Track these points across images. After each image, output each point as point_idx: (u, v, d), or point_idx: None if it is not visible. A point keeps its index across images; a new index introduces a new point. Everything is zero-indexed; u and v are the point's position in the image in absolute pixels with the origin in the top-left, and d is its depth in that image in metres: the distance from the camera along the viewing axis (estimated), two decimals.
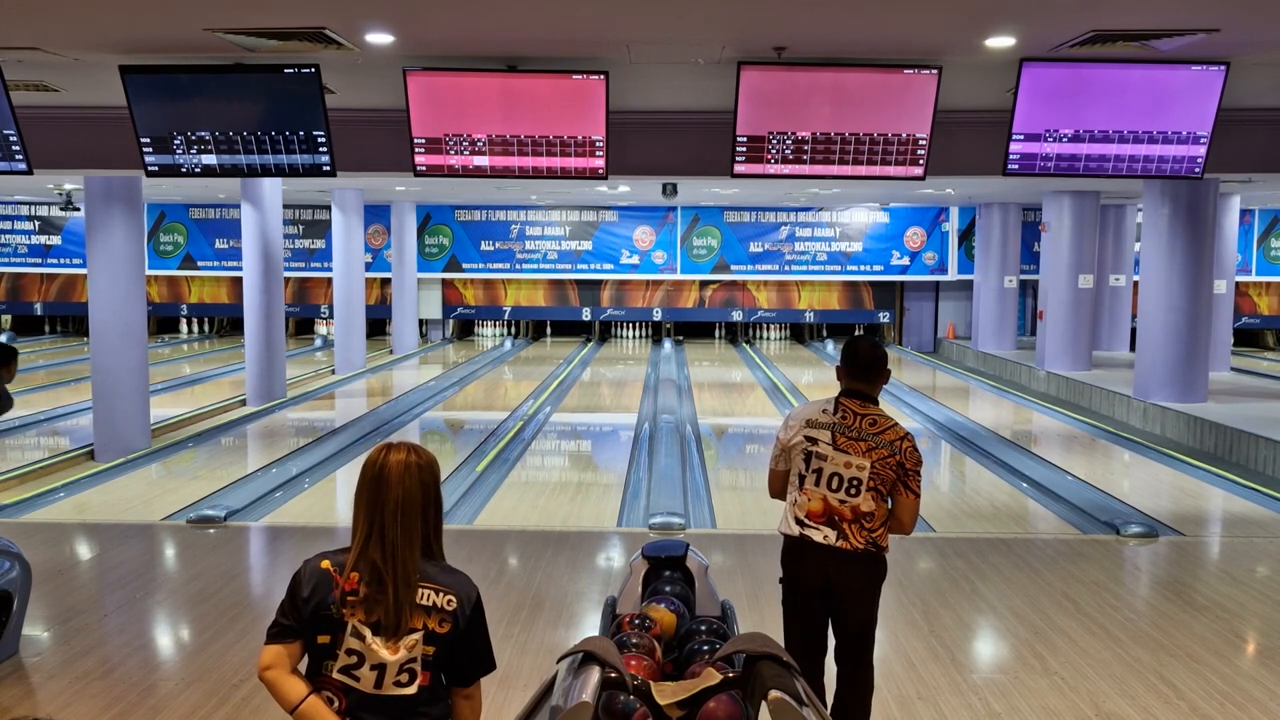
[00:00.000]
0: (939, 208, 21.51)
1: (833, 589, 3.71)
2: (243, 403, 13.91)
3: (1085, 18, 5.58)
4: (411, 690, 2.37)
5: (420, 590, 2.37)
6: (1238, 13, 5.50)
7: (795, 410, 3.88)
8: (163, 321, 24.17)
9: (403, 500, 2.39)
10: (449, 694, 2.46)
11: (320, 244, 22.23)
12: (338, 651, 2.37)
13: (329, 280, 20.55)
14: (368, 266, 20.94)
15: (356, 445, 11.02)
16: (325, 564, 2.42)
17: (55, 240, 22.97)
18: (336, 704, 2.38)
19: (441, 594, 2.38)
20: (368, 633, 2.35)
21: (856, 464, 3.63)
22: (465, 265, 22.22)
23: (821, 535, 3.66)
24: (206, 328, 24.70)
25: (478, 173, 7.00)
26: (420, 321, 22.29)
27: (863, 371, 3.76)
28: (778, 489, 3.89)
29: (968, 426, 12.50)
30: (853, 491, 3.63)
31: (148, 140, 6.96)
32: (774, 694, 2.41)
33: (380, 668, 2.35)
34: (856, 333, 23.90)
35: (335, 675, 2.38)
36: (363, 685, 2.36)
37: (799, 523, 3.73)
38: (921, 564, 6.57)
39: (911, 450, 3.68)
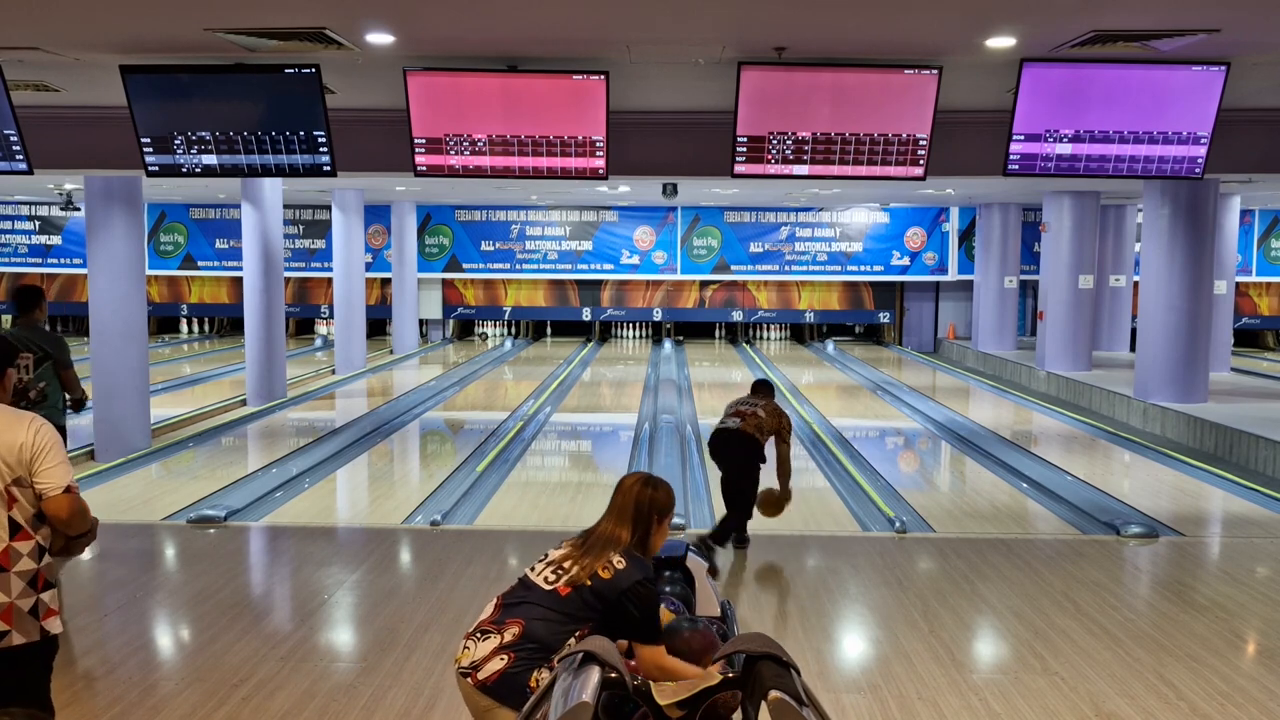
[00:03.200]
0: (939, 208, 21.51)
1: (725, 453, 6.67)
2: (243, 403, 13.91)
3: (1085, 18, 5.59)
4: (548, 588, 3.06)
5: (614, 556, 3.12)
6: (1238, 13, 5.50)
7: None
8: (163, 321, 24.17)
9: (618, 507, 3.26)
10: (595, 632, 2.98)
11: (320, 244, 22.24)
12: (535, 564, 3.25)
13: (329, 280, 20.55)
14: (368, 266, 20.94)
15: (357, 445, 11.03)
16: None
17: (55, 240, 22.97)
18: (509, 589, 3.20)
19: (617, 558, 3.11)
20: (552, 553, 3.22)
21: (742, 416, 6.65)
22: (465, 265, 22.22)
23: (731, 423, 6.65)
24: (206, 328, 24.70)
25: (478, 173, 7.00)
26: (420, 321, 22.30)
27: (757, 391, 6.89)
28: None
29: (968, 427, 12.50)
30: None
31: (148, 140, 6.97)
32: (774, 694, 2.41)
33: (551, 565, 3.16)
34: (856, 331, 23.93)
35: (527, 573, 3.22)
36: (536, 578, 3.14)
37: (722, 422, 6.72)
38: (921, 564, 6.57)
39: (774, 414, 6.65)
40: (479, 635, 3.05)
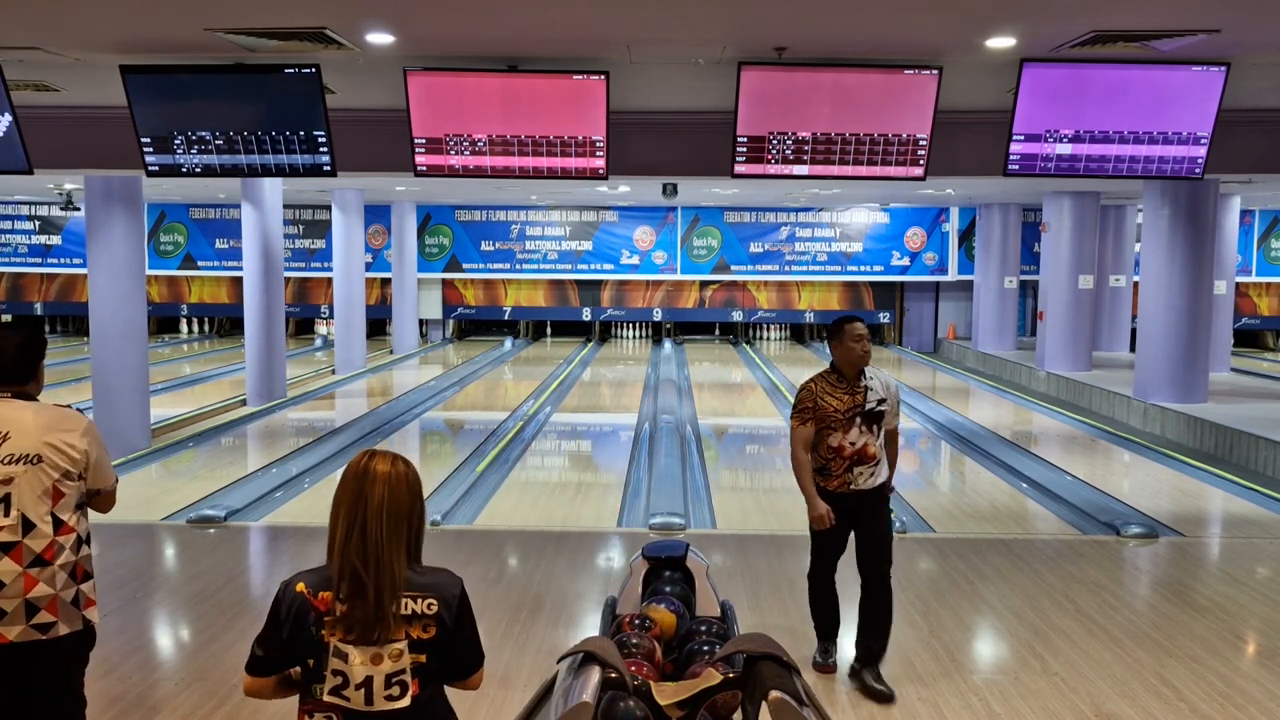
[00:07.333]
0: (939, 208, 21.50)
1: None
2: (243, 402, 13.91)
3: (1085, 18, 5.58)
4: (405, 702, 2.30)
5: (400, 600, 2.29)
6: (1238, 13, 5.50)
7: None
8: (163, 321, 24.16)
9: (388, 500, 2.30)
10: (443, 691, 2.41)
11: (320, 244, 22.23)
12: (324, 674, 2.30)
13: (329, 280, 20.55)
14: (368, 266, 20.93)
15: (357, 445, 11.02)
16: (300, 586, 2.33)
17: (55, 240, 22.97)
18: None
19: (420, 599, 2.31)
20: (349, 650, 2.28)
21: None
22: (465, 265, 22.21)
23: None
24: (206, 328, 24.70)
25: (478, 173, 7.00)
26: (420, 321, 22.30)
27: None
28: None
29: (968, 427, 12.50)
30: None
31: (148, 140, 6.96)
32: (774, 694, 2.41)
33: (367, 684, 2.28)
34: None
35: (327, 698, 2.30)
36: (354, 704, 2.29)
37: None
38: (921, 564, 6.57)
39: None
40: None
